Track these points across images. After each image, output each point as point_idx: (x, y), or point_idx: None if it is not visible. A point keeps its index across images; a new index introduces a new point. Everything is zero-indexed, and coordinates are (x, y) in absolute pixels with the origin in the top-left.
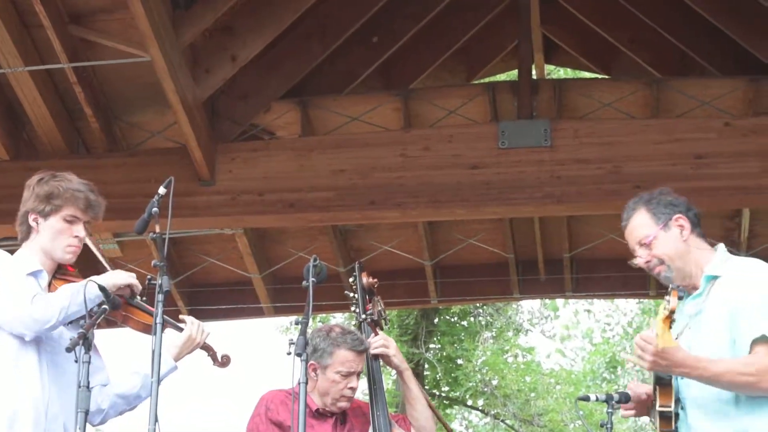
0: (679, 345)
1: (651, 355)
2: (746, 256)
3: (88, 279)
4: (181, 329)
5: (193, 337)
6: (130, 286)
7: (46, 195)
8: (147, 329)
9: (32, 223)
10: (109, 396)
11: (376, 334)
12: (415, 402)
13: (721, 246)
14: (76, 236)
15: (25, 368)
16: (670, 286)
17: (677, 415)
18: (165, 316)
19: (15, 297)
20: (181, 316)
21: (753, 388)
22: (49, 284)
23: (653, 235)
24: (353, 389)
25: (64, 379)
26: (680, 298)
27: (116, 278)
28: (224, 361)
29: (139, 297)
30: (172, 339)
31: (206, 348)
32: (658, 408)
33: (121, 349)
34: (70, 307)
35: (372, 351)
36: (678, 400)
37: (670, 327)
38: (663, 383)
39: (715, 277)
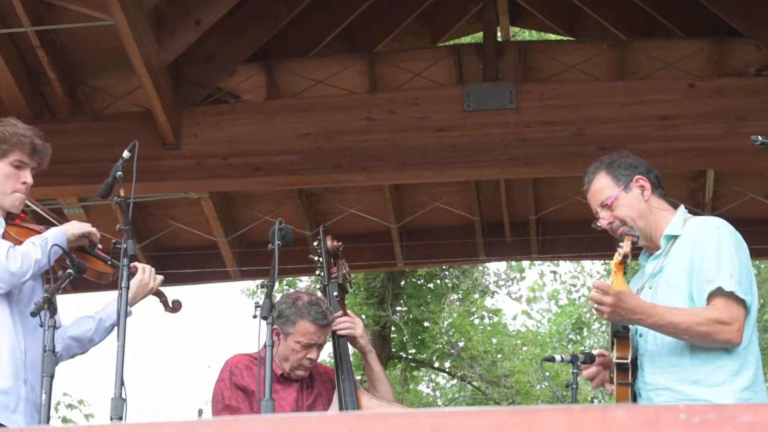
0: (632, 290)
1: (608, 305)
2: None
3: (49, 230)
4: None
5: (145, 282)
6: (88, 236)
7: None
8: (101, 276)
9: None
10: (62, 338)
11: (345, 313)
12: (379, 383)
13: (682, 207)
14: (24, 182)
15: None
16: (625, 233)
17: (635, 367)
18: (113, 260)
19: None
20: (132, 264)
21: (709, 339)
22: (4, 233)
23: (614, 196)
24: (312, 360)
25: (33, 328)
26: (634, 244)
27: (74, 228)
28: (175, 307)
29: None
30: None
31: (158, 294)
32: (614, 360)
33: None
34: (42, 258)
35: (338, 333)
36: (636, 358)
37: (624, 273)
38: (620, 336)
39: (675, 237)
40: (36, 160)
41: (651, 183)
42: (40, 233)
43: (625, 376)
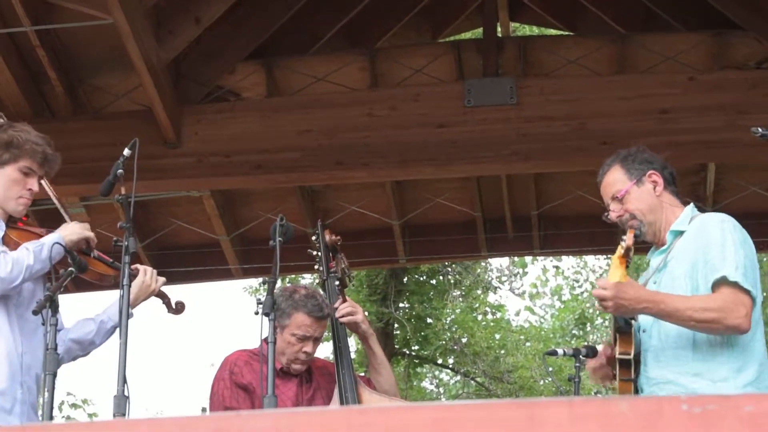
0: (632, 281)
1: (609, 299)
2: (714, 212)
3: (47, 236)
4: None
5: (147, 283)
6: (86, 240)
7: (6, 143)
8: (103, 278)
9: None
10: (64, 341)
11: (344, 300)
12: (380, 367)
13: (691, 204)
14: (30, 189)
15: None
16: (629, 227)
17: (637, 363)
18: (115, 262)
19: None
20: (134, 266)
21: (715, 325)
22: (4, 236)
23: (626, 189)
24: (307, 354)
25: (32, 331)
26: (637, 237)
27: (72, 234)
28: (178, 308)
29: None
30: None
31: (161, 295)
32: (617, 355)
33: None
34: (35, 264)
35: (340, 319)
36: (638, 354)
37: (627, 266)
38: (622, 332)
39: (680, 233)
40: (45, 169)
41: (664, 179)
42: (41, 236)
43: (627, 372)
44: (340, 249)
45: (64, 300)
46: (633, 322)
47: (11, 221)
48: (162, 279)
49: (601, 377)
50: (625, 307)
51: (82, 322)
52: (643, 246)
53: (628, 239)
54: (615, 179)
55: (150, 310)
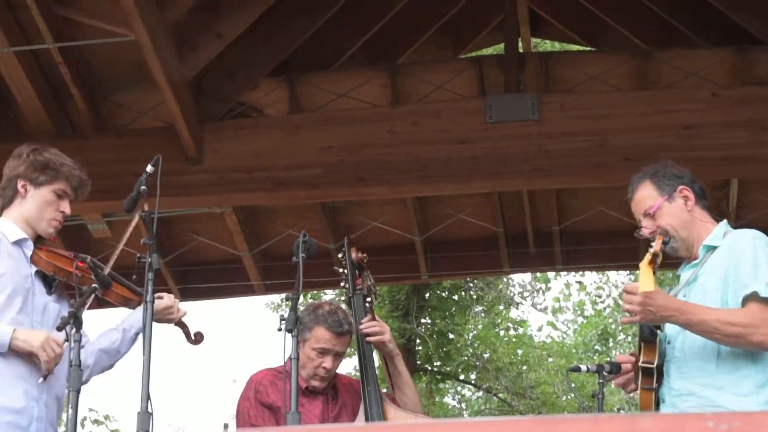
0: (659, 289)
1: (637, 305)
2: (736, 227)
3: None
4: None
5: (170, 308)
6: (38, 353)
7: (43, 165)
8: (127, 303)
9: (20, 189)
10: (93, 352)
11: (373, 318)
12: (405, 387)
13: (725, 221)
14: (62, 211)
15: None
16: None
17: (660, 374)
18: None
19: None
20: (158, 294)
21: (740, 340)
22: (33, 254)
23: (657, 205)
24: (327, 369)
25: None
26: (665, 243)
27: (34, 340)
28: (197, 339)
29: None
30: None
31: (181, 325)
32: (641, 364)
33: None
34: None
35: (368, 338)
36: (662, 364)
37: (654, 272)
38: (647, 341)
39: (713, 248)
40: (78, 194)
41: (695, 194)
42: (68, 258)
43: (649, 381)
44: (366, 266)
45: (91, 315)
46: (658, 332)
47: (39, 241)
48: (185, 310)
49: (630, 391)
50: (653, 315)
51: (106, 333)
52: (674, 261)
53: (656, 245)
54: (646, 195)
55: (170, 339)
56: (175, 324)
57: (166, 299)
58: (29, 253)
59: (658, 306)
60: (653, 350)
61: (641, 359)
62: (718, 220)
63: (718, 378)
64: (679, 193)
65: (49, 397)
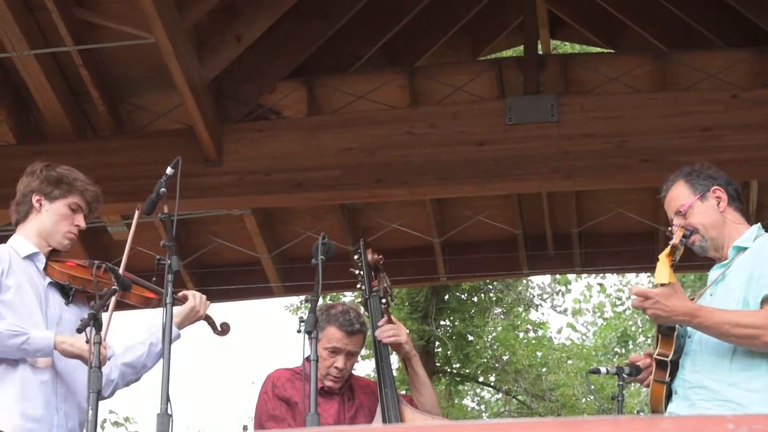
0: (675, 285)
1: (649, 307)
2: None
3: (43, 335)
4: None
5: (196, 309)
6: (80, 356)
7: (56, 179)
8: (148, 303)
9: (35, 204)
10: (117, 366)
11: (390, 321)
12: (423, 388)
13: (758, 225)
14: (77, 225)
15: None
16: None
17: (675, 367)
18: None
19: None
20: (181, 293)
21: (753, 341)
22: (46, 267)
23: (689, 204)
24: (338, 369)
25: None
26: (686, 237)
27: (67, 346)
28: (224, 329)
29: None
30: (175, 310)
31: (206, 318)
32: (656, 355)
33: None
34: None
35: (384, 340)
36: (678, 358)
37: (672, 265)
38: (665, 334)
39: (743, 249)
40: (91, 208)
41: (729, 195)
42: (83, 266)
43: (662, 374)
44: (382, 268)
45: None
46: (677, 326)
47: (54, 254)
48: (209, 303)
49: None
50: (662, 318)
51: (133, 347)
52: (700, 263)
53: (675, 237)
54: (679, 194)
55: (195, 331)
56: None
57: (190, 300)
58: (41, 266)
59: (670, 309)
60: (670, 344)
61: (657, 350)
62: (751, 224)
63: (731, 374)
64: (712, 194)
65: (69, 407)
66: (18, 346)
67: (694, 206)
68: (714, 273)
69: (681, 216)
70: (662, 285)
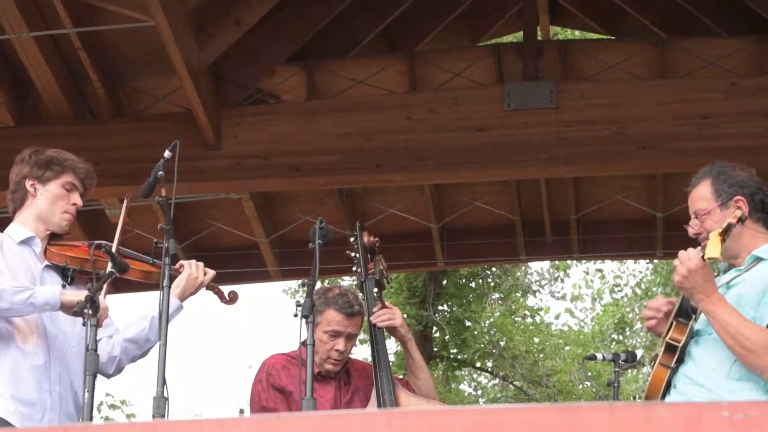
0: (708, 269)
1: (684, 272)
2: None
3: (48, 290)
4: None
5: (194, 276)
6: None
7: (46, 161)
8: (147, 276)
9: (29, 189)
10: (119, 342)
11: (383, 305)
12: (419, 371)
13: None
14: (74, 204)
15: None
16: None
17: (682, 356)
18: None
19: None
20: (178, 263)
21: (749, 357)
22: (45, 251)
23: (707, 210)
24: (339, 352)
25: (66, 340)
26: (740, 221)
27: (71, 296)
28: (232, 298)
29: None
30: (174, 282)
31: (211, 287)
32: (668, 339)
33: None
34: (12, 308)
35: (379, 324)
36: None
37: (723, 241)
38: (681, 322)
39: (760, 259)
40: (86, 185)
41: (753, 206)
42: (80, 247)
43: (669, 359)
44: (378, 251)
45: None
46: (693, 317)
47: (53, 237)
48: (211, 272)
49: (658, 332)
50: (686, 289)
51: (134, 323)
52: None
53: (732, 217)
54: (702, 196)
55: (192, 316)
56: (207, 288)
57: (186, 267)
58: (38, 250)
59: (696, 283)
60: (683, 331)
61: (670, 334)
62: None
63: (728, 383)
64: (734, 203)
65: (63, 388)
66: (25, 300)
67: (712, 213)
68: (728, 275)
69: (698, 219)
70: (710, 259)
